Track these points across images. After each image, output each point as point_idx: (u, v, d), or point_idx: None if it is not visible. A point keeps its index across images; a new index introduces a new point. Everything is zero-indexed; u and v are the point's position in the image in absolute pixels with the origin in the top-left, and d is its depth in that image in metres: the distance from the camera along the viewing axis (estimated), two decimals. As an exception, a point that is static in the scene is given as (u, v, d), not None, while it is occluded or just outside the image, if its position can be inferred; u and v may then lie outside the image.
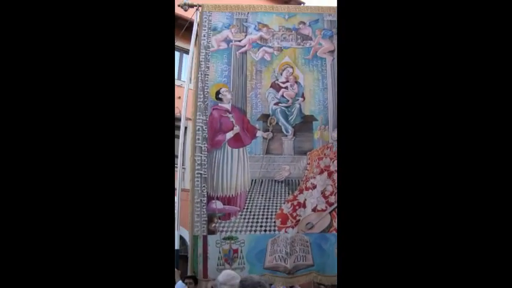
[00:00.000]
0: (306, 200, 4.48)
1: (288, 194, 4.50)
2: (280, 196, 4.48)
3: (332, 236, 4.41)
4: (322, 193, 4.49)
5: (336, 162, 4.49)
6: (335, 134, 4.55)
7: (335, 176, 4.48)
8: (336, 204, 4.45)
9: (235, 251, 4.31)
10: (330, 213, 4.47)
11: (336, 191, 4.47)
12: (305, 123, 4.63)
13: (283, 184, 4.53)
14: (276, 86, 4.72)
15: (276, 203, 4.46)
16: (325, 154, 4.56)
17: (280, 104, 4.67)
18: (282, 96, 4.69)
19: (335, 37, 4.73)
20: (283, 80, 4.70)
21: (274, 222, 4.41)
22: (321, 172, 4.52)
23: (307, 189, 4.50)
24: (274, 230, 4.40)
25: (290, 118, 4.64)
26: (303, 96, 4.69)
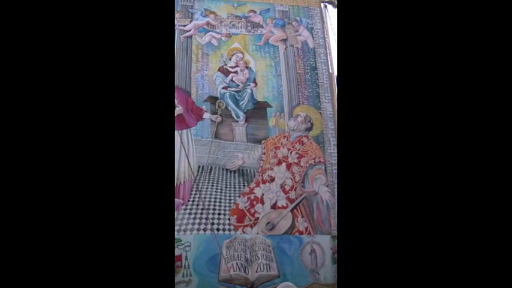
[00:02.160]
0: (263, 194, 3.66)
1: (244, 185, 3.67)
2: (234, 188, 3.63)
3: (295, 239, 3.60)
4: (281, 187, 3.73)
5: (294, 153, 3.91)
6: (291, 123, 4.04)
7: (294, 168, 3.85)
8: (297, 201, 3.75)
9: (178, 258, 3.16)
10: (292, 211, 3.69)
11: (296, 185, 3.79)
12: (258, 110, 4.05)
13: (236, 174, 3.72)
14: (224, 71, 4.17)
15: (230, 196, 3.58)
16: (282, 143, 3.92)
17: (229, 89, 4.08)
18: (232, 80, 4.12)
19: (287, 26, 4.49)
20: (233, 65, 4.19)
21: (229, 219, 3.45)
22: (279, 163, 3.82)
23: (264, 182, 3.72)
24: (230, 230, 3.41)
25: (241, 103, 4.04)
26: (254, 81, 4.17)
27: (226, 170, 3.73)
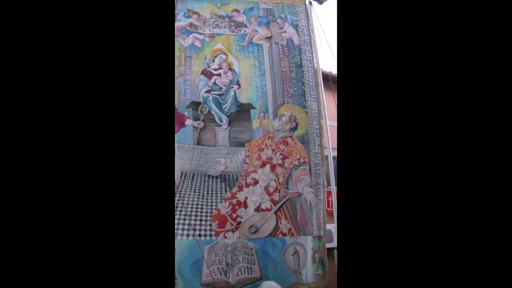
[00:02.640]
0: (247, 198, 3.67)
1: (225, 191, 3.67)
2: (216, 194, 3.64)
3: (279, 241, 3.64)
4: (265, 189, 3.73)
5: (278, 154, 3.89)
6: (276, 123, 3.99)
7: (278, 169, 3.83)
8: (281, 203, 3.77)
9: (162, 263, 3.30)
10: (275, 213, 3.72)
11: (280, 187, 3.79)
12: (242, 112, 3.99)
13: (218, 180, 3.72)
14: (207, 73, 4.08)
15: (212, 202, 3.59)
16: (266, 145, 3.89)
17: (212, 92, 4.01)
18: (215, 83, 4.05)
19: (272, 24, 4.37)
20: (216, 67, 4.10)
21: (210, 225, 3.49)
22: (263, 165, 3.80)
23: (247, 185, 3.72)
24: (211, 235, 3.46)
25: (224, 107, 3.98)
26: (238, 83, 4.10)
27: (209, 176, 3.73)
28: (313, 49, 4.34)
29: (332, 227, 9.61)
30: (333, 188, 4.30)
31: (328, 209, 10.28)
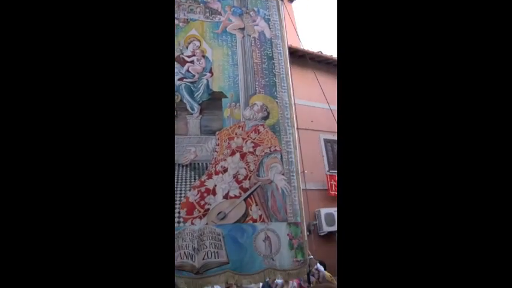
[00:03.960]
0: (216, 185, 3.64)
1: (194, 179, 3.63)
2: (185, 182, 3.59)
3: (249, 226, 3.61)
4: (234, 177, 3.71)
5: (249, 142, 3.89)
6: (247, 113, 3.99)
7: (249, 157, 3.82)
8: (251, 190, 3.77)
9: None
10: (245, 200, 3.70)
11: (250, 175, 3.78)
12: (213, 101, 3.97)
13: (188, 168, 3.67)
14: (180, 60, 4.03)
15: (181, 191, 3.54)
16: (236, 134, 3.87)
17: (185, 80, 3.96)
18: (188, 71, 4.01)
19: (245, 16, 4.39)
20: (189, 53, 4.07)
21: (179, 212, 3.44)
22: (233, 154, 3.78)
23: (217, 173, 3.68)
24: (179, 222, 3.41)
25: (196, 95, 3.94)
26: (210, 71, 4.07)
27: (179, 165, 3.69)
28: (284, 43, 4.37)
29: (333, 210, 9.73)
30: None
31: (332, 192, 10.35)
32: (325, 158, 12.06)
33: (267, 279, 4.02)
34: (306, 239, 3.86)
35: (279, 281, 6.47)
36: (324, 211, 10.31)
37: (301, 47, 13.82)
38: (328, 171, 11.56)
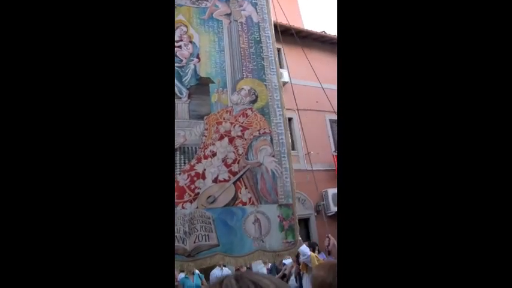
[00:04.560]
0: (205, 170, 3.65)
1: (184, 163, 3.64)
2: (175, 166, 3.61)
3: (239, 210, 3.63)
4: (223, 161, 3.71)
5: (237, 126, 3.89)
6: (234, 97, 3.98)
7: (238, 141, 3.82)
8: (240, 174, 3.80)
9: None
10: (235, 184, 3.73)
11: (239, 158, 3.81)
12: (201, 86, 3.94)
13: (178, 152, 3.67)
14: None
15: None
16: (224, 118, 3.87)
17: None
18: (175, 55, 3.98)
19: (232, 1, 4.35)
20: (177, 38, 4.03)
21: None
22: (221, 138, 3.78)
23: (206, 157, 3.69)
24: None
25: (184, 79, 3.93)
26: (198, 57, 4.04)
27: None
28: (271, 27, 4.33)
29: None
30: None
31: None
32: (331, 138, 12.04)
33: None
34: (297, 220, 3.89)
35: (287, 261, 6.55)
36: (331, 191, 10.35)
37: (305, 28, 13.67)
38: (335, 151, 11.55)
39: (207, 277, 7.51)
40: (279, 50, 13.83)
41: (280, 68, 13.70)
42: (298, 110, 13.14)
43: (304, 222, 12.84)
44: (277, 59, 4.23)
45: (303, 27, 13.85)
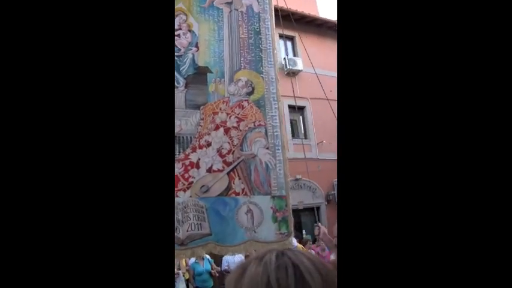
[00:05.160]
0: (199, 159, 3.65)
1: (179, 152, 3.64)
2: None
3: (232, 200, 3.65)
4: (218, 151, 3.72)
5: (233, 117, 3.88)
6: (231, 88, 3.95)
7: (233, 132, 3.81)
8: (234, 164, 3.82)
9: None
10: (228, 174, 3.74)
11: (234, 149, 3.82)
12: (199, 75, 3.91)
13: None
14: None
15: None
16: (220, 109, 3.85)
17: None
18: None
19: None
20: (175, 27, 3.97)
21: None
22: (217, 128, 3.77)
23: (201, 147, 3.69)
24: None
25: (182, 69, 3.88)
26: (196, 46, 3.99)
27: None
28: (271, 18, 4.27)
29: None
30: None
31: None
32: (343, 128, 11.92)
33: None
34: (291, 212, 3.90)
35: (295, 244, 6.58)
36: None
37: (320, 16, 13.47)
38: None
39: (217, 262, 7.60)
40: (292, 38, 13.81)
41: (295, 56, 13.68)
42: (310, 99, 13.08)
43: (315, 211, 12.85)
44: (275, 51, 4.18)
45: (318, 15, 13.65)
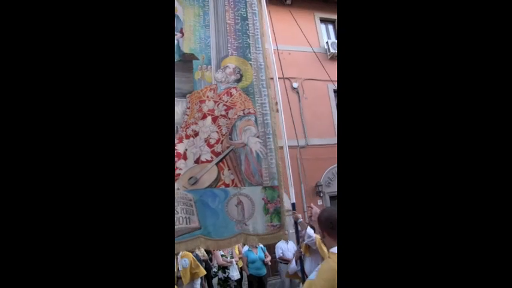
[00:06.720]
0: (187, 150, 3.42)
1: None
2: None
3: (221, 191, 3.42)
4: (206, 141, 3.48)
5: (221, 105, 3.67)
6: (219, 75, 3.71)
7: (222, 120, 3.57)
8: (223, 154, 3.62)
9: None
10: (217, 165, 3.54)
11: (222, 138, 3.63)
12: (184, 62, 3.66)
13: None
14: None
15: None
16: (207, 96, 3.61)
17: None
18: None
19: None
20: None
21: None
22: (204, 117, 3.53)
23: (187, 137, 3.45)
24: None
25: None
26: (181, 31, 3.74)
27: None
28: (259, 3, 4.08)
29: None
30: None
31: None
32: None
33: None
34: (283, 203, 3.73)
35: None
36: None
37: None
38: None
39: (269, 250, 7.51)
40: (334, 21, 13.34)
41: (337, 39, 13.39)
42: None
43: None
44: (264, 37, 4.01)
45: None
